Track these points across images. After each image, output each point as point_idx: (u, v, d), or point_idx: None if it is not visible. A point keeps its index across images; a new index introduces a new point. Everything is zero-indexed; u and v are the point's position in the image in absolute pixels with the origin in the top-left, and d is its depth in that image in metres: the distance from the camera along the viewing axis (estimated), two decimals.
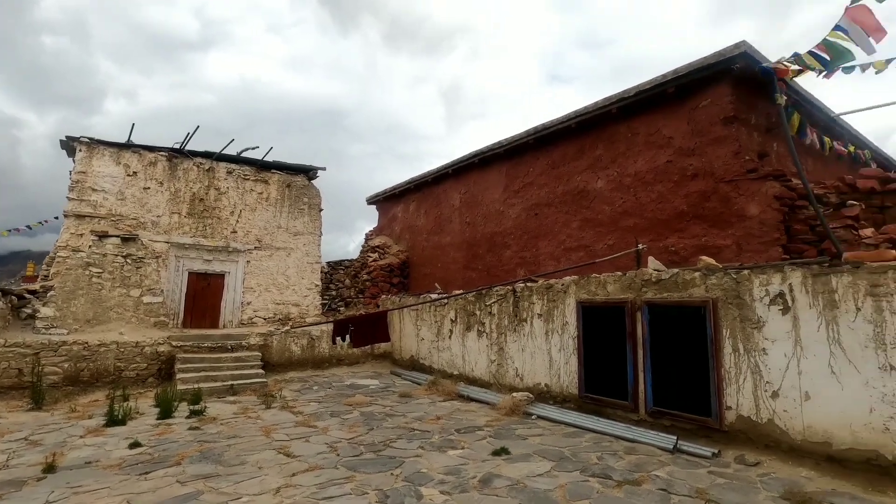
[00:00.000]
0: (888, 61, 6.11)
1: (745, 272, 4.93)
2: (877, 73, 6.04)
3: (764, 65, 7.29)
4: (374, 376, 10.21)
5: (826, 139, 9.11)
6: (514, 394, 7.02)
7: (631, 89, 8.78)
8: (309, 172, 13.72)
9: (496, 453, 4.94)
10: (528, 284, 7.77)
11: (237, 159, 12.62)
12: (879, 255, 4.14)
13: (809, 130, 8.71)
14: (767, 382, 4.66)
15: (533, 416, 6.56)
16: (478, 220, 12.71)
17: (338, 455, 4.90)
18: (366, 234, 17.79)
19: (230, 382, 8.34)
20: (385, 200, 17.29)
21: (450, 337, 9.40)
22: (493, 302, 8.32)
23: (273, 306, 12.52)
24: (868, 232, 6.59)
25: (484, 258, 12.38)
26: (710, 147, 7.78)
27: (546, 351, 7.19)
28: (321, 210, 13.83)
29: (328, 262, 18.00)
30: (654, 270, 5.83)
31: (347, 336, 9.21)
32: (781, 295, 4.61)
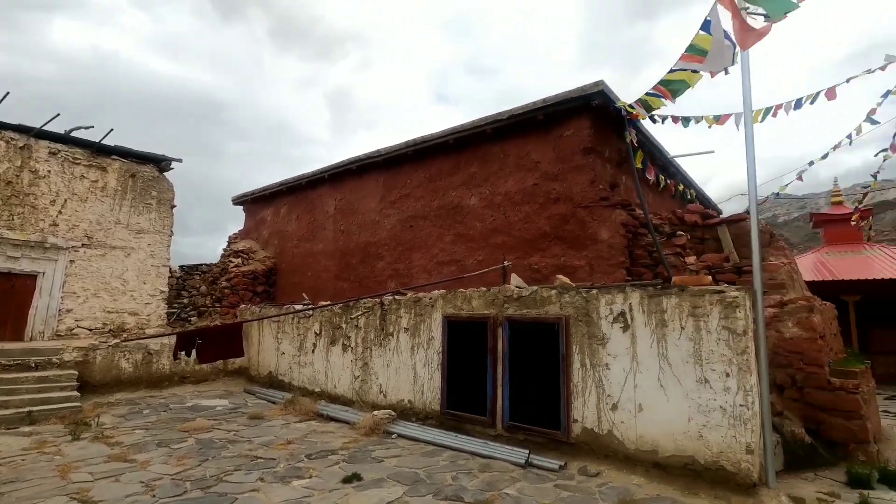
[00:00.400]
0: (716, 117, 7.07)
1: (594, 291, 5.26)
2: (708, 127, 6.98)
3: (617, 104, 8.10)
4: (225, 395, 9.14)
5: (662, 177, 10.41)
6: (376, 412, 6.71)
7: (504, 112, 9.15)
8: (161, 163, 12.07)
9: (347, 480, 4.57)
10: (397, 297, 7.56)
11: (65, 138, 10.61)
12: (699, 280, 4.67)
13: (651, 168, 9.87)
14: (608, 395, 4.98)
15: (393, 435, 6.30)
16: (353, 228, 12.26)
17: (153, 496, 4.11)
18: (229, 238, 16.21)
19: (27, 409, 6.78)
20: (254, 202, 15.96)
21: (313, 351, 8.79)
22: (360, 314, 7.95)
23: (103, 315, 10.66)
24: (692, 259, 7.56)
25: (357, 268, 11.94)
26: (570, 174, 8.37)
27: (411, 366, 7.01)
28: (173, 206, 12.23)
29: (182, 266, 16.03)
30: (516, 287, 6.00)
31: (193, 350, 8.11)
32: (623, 314, 4.98)
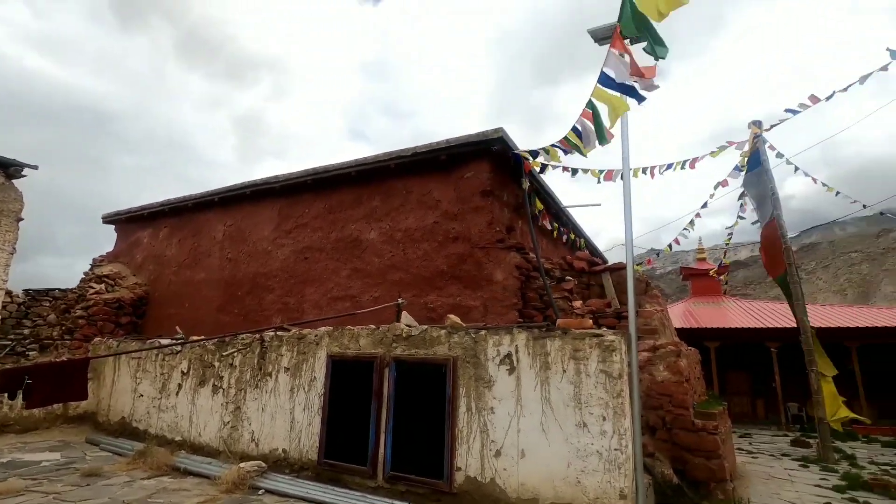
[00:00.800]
0: (601, 171, 7.60)
1: (483, 332, 5.18)
2: (597, 181, 7.48)
3: (516, 151, 8.47)
4: (59, 447, 7.63)
5: (555, 224, 10.99)
6: (243, 464, 5.92)
7: (409, 149, 9.16)
8: (9, 168, 10.33)
9: None
10: (280, 333, 6.93)
11: None
12: (581, 324, 4.79)
13: (545, 215, 10.38)
14: (492, 441, 4.83)
15: (260, 491, 5.57)
16: (242, 257, 11.33)
17: None
18: (93, 260, 14.20)
19: None
20: (129, 221, 14.25)
21: (177, 393, 7.71)
22: (237, 352, 7.16)
23: None
24: (578, 304, 7.89)
25: (243, 301, 10.96)
26: (470, 214, 8.49)
27: (289, 410, 6.37)
28: (20, 220, 10.44)
29: (27, 291, 13.64)
30: (406, 326, 5.76)
31: (20, 392, 6.70)
32: (510, 356, 4.93)
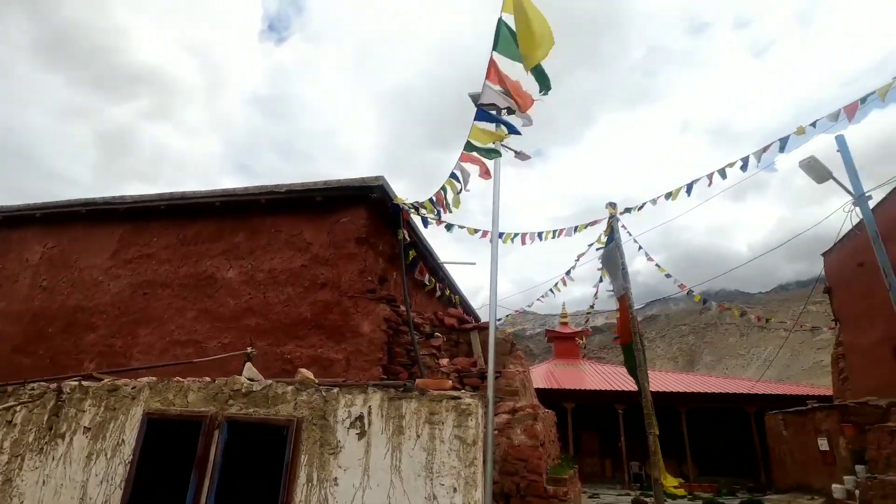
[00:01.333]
0: (475, 230, 7.75)
1: (335, 390, 4.68)
2: (471, 234, 7.62)
3: (395, 201, 8.36)
4: None
5: (431, 279, 10.96)
6: None
7: (283, 185, 8.58)
8: None
9: None
10: (86, 384, 5.64)
11: None
12: (440, 384, 4.54)
13: (422, 268, 10.31)
14: None
15: None
16: (61, 286, 9.43)
17: None
18: None
19: None
20: None
21: None
22: (20, 405, 5.65)
23: None
24: (444, 361, 7.73)
25: (53, 339, 9.00)
26: (341, 261, 8.05)
27: (81, 484, 5.06)
28: None
29: None
30: (248, 380, 5.01)
31: None
32: (361, 418, 4.47)
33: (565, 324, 27.04)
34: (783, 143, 7.06)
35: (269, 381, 4.95)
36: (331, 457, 4.42)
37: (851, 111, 6.28)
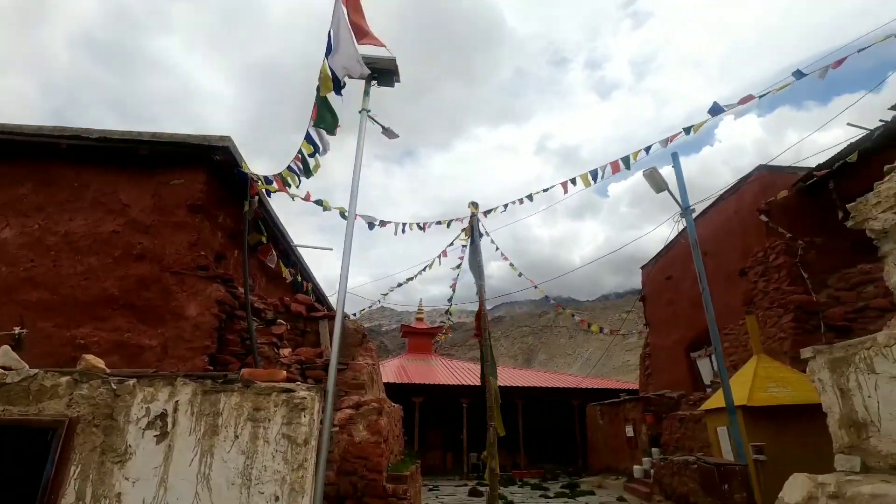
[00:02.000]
0: (334, 208, 7.15)
1: (131, 382, 3.72)
2: (325, 210, 7.03)
3: (242, 168, 7.31)
4: None
5: (283, 265, 9.97)
6: None
7: (96, 130, 6.94)
8: None
9: None
10: None
11: None
12: (270, 375, 3.89)
13: (270, 249, 9.28)
14: None
15: None
16: None
17: None
18: None
19: None
20: None
21: None
22: None
23: None
24: (286, 352, 6.95)
25: None
26: (167, 230, 6.75)
27: None
28: None
29: None
30: (1, 369, 3.75)
31: None
32: (163, 416, 3.61)
33: (421, 320, 27.39)
34: (626, 162, 7.92)
35: (34, 371, 3.76)
36: (115, 466, 3.48)
37: (668, 141, 7.47)
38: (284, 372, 4.07)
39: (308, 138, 5.73)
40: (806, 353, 3.89)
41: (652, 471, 12.03)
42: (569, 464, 19.99)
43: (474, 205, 14.12)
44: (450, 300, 17.50)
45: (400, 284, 15.71)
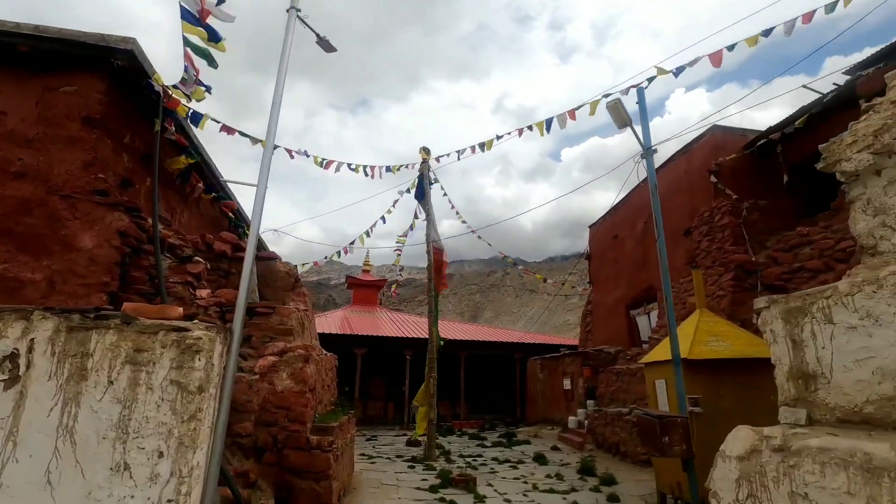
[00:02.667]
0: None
1: None
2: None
3: (152, 81, 6.25)
4: None
5: (211, 199, 8.98)
6: None
7: None
8: None
9: None
10: None
11: None
12: (160, 312, 3.24)
13: (195, 180, 8.29)
14: None
15: None
16: None
17: None
18: None
19: None
20: None
21: None
22: None
23: None
24: (204, 293, 6.22)
25: None
26: (56, 145, 5.69)
27: None
28: None
29: None
30: None
31: None
32: (14, 357, 2.91)
33: (367, 272, 26.76)
34: (592, 108, 7.58)
35: None
36: None
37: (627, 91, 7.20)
38: (180, 309, 3.42)
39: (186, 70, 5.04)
40: (759, 303, 3.68)
41: (586, 422, 12.42)
42: (507, 415, 20.58)
43: (425, 150, 13.42)
44: (398, 251, 16.96)
45: (352, 242, 14.95)
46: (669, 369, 6.11)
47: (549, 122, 8.85)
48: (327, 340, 19.43)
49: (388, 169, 12.17)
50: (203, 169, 8.66)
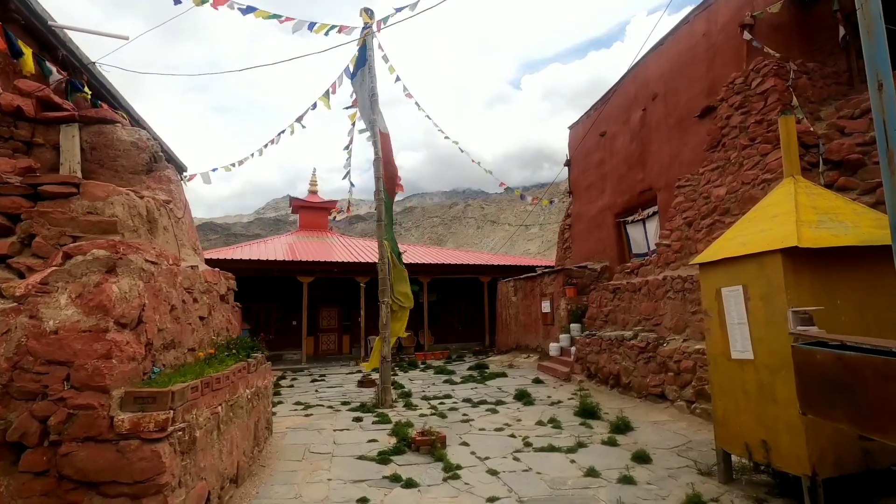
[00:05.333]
0: None
1: None
2: None
3: None
4: None
5: (25, 48, 5.76)
6: None
7: None
8: None
9: None
10: None
11: None
12: None
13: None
14: None
15: None
16: None
17: None
18: None
19: None
20: None
21: None
22: None
23: None
24: None
25: None
26: None
27: None
28: None
29: None
30: None
31: None
32: None
33: (314, 192, 23.49)
34: None
35: None
36: None
37: None
38: None
39: None
40: None
41: (572, 348, 10.56)
42: (476, 342, 18.89)
43: (367, 12, 10.15)
44: (347, 170, 13.77)
45: (282, 132, 11.66)
46: (752, 268, 3.84)
47: None
48: (267, 269, 16.70)
49: (312, 27, 8.92)
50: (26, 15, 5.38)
